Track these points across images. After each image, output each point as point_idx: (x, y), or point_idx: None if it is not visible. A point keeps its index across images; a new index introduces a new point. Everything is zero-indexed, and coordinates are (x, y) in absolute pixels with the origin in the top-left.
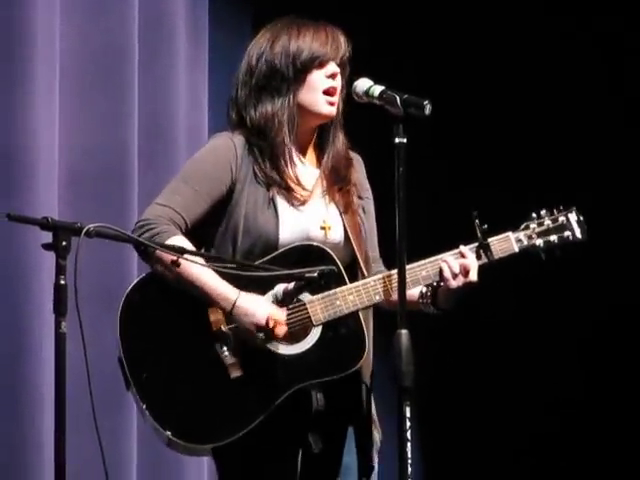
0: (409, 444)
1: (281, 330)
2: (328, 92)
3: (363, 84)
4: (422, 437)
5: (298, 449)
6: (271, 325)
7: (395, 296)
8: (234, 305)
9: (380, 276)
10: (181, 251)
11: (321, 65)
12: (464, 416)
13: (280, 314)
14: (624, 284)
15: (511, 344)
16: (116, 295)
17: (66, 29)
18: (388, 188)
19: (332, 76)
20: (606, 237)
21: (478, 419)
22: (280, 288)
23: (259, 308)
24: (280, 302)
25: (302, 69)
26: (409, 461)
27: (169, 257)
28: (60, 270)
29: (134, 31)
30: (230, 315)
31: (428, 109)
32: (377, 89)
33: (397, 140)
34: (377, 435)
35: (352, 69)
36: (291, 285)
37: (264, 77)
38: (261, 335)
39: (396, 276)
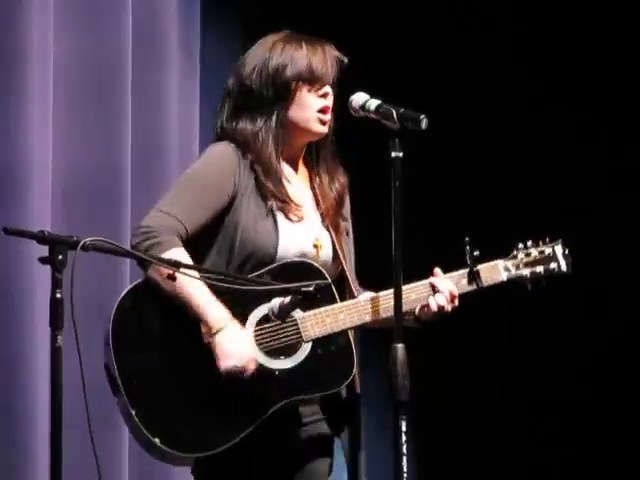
0: (405, 458)
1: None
2: (321, 111)
3: (359, 98)
4: (417, 451)
5: (284, 464)
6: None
7: (385, 315)
8: (218, 331)
9: (370, 296)
10: (177, 265)
11: (311, 83)
12: (459, 430)
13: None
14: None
15: (506, 357)
16: (107, 309)
17: (60, 45)
18: (383, 202)
19: (324, 95)
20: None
21: (473, 433)
22: (276, 302)
23: (241, 345)
24: (276, 316)
25: (286, 86)
26: (405, 475)
27: (165, 270)
28: (56, 284)
29: (128, 47)
30: (209, 337)
31: (425, 123)
32: (373, 103)
33: (393, 154)
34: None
35: (347, 83)
36: (287, 299)
37: (245, 95)
38: (233, 367)
39: (386, 297)
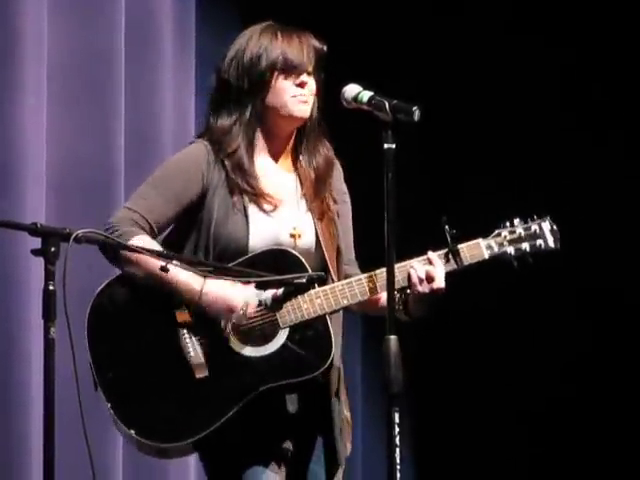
0: (398, 450)
1: (251, 308)
2: (296, 96)
3: (352, 90)
4: (412, 443)
5: (279, 452)
6: (242, 306)
7: (361, 299)
8: (201, 293)
9: (349, 280)
10: (170, 257)
11: (286, 72)
12: (453, 421)
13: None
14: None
15: (501, 349)
16: None
17: (53, 39)
18: (375, 193)
19: (301, 85)
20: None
21: (468, 424)
22: (269, 294)
23: (229, 291)
24: (269, 308)
25: (261, 77)
26: (398, 467)
27: (135, 257)
28: (49, 276)
29: (120, 39)
30: (198, 304)
31: (417, 115)
32: (366, 95)
33: (386, 146)
34: (347, 444)
35: (339, 75)
36: (280, 291)
37: (223, 88)
38: (237, 314)
39: (363, 280)
